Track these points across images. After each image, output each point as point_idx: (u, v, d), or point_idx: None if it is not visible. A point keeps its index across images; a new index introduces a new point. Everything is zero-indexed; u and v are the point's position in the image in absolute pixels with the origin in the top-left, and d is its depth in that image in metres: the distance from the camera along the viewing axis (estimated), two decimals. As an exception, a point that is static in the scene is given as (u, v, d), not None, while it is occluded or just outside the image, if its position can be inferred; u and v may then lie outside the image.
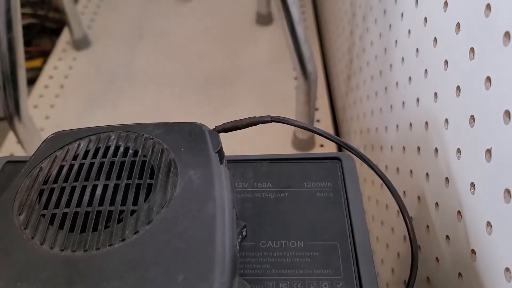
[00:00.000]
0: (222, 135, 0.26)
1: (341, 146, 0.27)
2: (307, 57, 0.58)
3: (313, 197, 0.30)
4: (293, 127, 0.66)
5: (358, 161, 0.34)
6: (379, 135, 0.46)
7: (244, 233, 0.23)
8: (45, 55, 0.91)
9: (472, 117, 0.24)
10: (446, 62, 0.28)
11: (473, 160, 0.24)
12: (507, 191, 0.21)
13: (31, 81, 0.80)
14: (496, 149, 0.22)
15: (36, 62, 0.93)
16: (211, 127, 0.27)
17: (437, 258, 0.30)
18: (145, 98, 0.77)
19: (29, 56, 0.92)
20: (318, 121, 0.72)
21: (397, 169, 0.39)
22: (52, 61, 0.87)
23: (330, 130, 0.71)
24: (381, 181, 0.46)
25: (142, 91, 0.78)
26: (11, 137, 0.71)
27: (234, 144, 0.32)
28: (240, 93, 0.76)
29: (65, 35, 0.92)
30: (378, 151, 0.46)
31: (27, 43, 0.90)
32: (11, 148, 0.69)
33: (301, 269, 0.26)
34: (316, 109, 0.72)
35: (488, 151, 0.22)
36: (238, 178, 0.31)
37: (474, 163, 0.24)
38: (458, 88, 0.26)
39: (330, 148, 0.66)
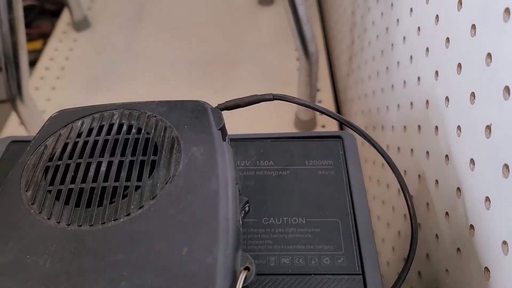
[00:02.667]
0: (224, 115, 0.26)
1: (342, 124, 0.27)
2: (309, 37, 0.58)
3: (315, 175, 0.30)
4: (295, 108, 0.66)
5: (359, 141, 0.34)
6: (380, 115, 0.46)
7: (247, 208, 0.23)
8: (45, 37, 0.91)
9: (473, 94, 0.24)
10: (447, 39, 0.28)
11: (473, 137, 0.25)
12: (506, 166, 0.21)
13: (32, 64, 0.79)
14: (496, 125, 0.22)
15: (37, 44, 0.93)
16: (213, 106, 0.27)
17: (436, 235, 0.31)
18: (146, 79, 0.77)
19: (29, 38, 0.92)
20: (319, 102, 0.72)
21: (398, 148, 0.40)
22: (53, 42, 0.86)
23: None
24: (382, 161, 0.46)
25: (143, 73, 0.78)
26: (13, 119, 0.71)
27: (236, 125, 0.32)
28: (241, 75, 0.76)
29: (64, 17, 0.92)
30: (380, 131, 0.46)
31: (26, 25, 0.89)
32: (13, 130, 0.70)
33: (303, 245, 0.26)
34: (318, 90, 0.72)
35: (488, 127, 0.23)
36: (241, 156, 0.31)
37: (474, 139, 0.24)
38: (459, 65, 0.26)
39: (331, 129, 0.67)
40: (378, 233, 0.48)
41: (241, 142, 0.33)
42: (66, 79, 0.79)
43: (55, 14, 0.94)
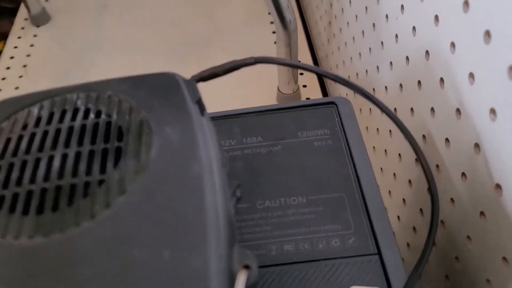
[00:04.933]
0: (201, 89, 0.22)
1: (337, 82, 0.24)
2: (285, 5, 0.54)
3: (311, 147, 0.27)
4: (277, 82, 0.63)
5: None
6: (370, 77, 0.43)
7: (238, 194, 0.19)
8: (5, 37, 0.85)
9: (487, 33, 0.21)
10: (447, -24, 0.24)
11: (491, 82, 0.21)
12: (540, 110, 0.18)
13: (-9, 64, 0.74)
14: (522, 64, 0.19)
15: (-3, 46, 0.86)
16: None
17: (452, 199, 0.27)
18: (117, 70, 0.72)
19: (-12, 40, 0.86)
20: (301, 74, 0.68)
21: (395, 109, 0.36)
22: (11, 40, 0.80)
23: (315, 82, 0.68)
24: (376, 126, 0.43)
25: (113, 63, 0.73)
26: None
27: (216, 103, 0.28)
28: (218, 55, 0.71)
29: (22, 12, 0.86)
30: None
31: (-18, 25, 0.83)
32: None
33: (307, 227, 0.23)
34: (298, 61, 0.68)
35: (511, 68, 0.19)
36: (224, 135, 0.28)
37: (493, 85, 0.21)
38: (466, 3, 0.23)
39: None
40: (380, 203, 0.45)
41: (222, 120, 0.29)
42: (29, 78, 0.73)
43: (14, 13, 0.88)
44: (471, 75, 0.23)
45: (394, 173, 0.39)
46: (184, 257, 0.14)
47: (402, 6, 0.32)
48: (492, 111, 0.21)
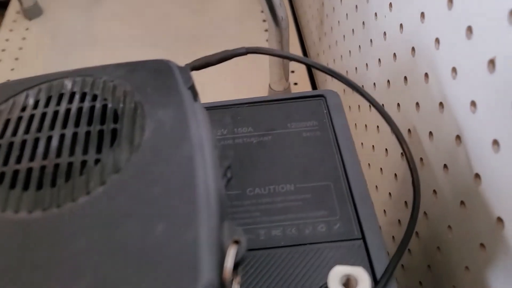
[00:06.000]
0: (198, 84, 0.23)
1: (328, 75, 0.24)
2: (277, 3, 0.55)
3: (299, 138, 0.27)
4: (268, 79, 0.63)
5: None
6: (360, 75, 0.44)
7: (229, 175, 0.20)
8: (-3, 29, 0.85)
9: (469, 29, 0.22)
10: (432, -25, 0.25)
11: (472, 76, 0.22)
12: (516, 101, 0.19)
13: (-17, 57, 0.74)
14: (501, 57, 0.20)
15: (-12, 38, 0.86)
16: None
17: (434, 191, 0.28)
18: (109, 63, 0.72)
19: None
20: (292, 72, 0.69)
21: (382, 105, 0.37)
22: (3, 33, 0.80)
23: (306, 79, 0.69)
24: (365, 122, 0.44)
25: (105, 56, 0.73)
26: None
27: (210, 97, 0.29)
28: (210, 51, 0.72)
29: (14, 5, 0.86)
30: (360, 91, 0.44)
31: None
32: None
33: (294, 213, 0.24)
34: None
35: (491, 62, 0.20)
36: (216, 125, 0.28)
37: (474, 79, 0.22)
38: (450, 0, 0.24)
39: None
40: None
41: (215, 110, 0.30)
42: (21, 70, 0.73)
43: (5, 6, 0.88)
44: (454, 70, 0.24)
45: (381, 168, 0.40)
46: (176, 230, 0.15)
47: (390, 4, 0.33)
48: (473, 103, 0.22)
